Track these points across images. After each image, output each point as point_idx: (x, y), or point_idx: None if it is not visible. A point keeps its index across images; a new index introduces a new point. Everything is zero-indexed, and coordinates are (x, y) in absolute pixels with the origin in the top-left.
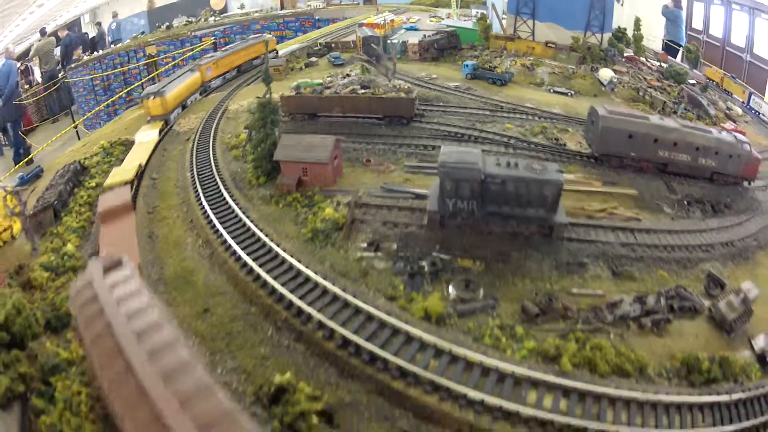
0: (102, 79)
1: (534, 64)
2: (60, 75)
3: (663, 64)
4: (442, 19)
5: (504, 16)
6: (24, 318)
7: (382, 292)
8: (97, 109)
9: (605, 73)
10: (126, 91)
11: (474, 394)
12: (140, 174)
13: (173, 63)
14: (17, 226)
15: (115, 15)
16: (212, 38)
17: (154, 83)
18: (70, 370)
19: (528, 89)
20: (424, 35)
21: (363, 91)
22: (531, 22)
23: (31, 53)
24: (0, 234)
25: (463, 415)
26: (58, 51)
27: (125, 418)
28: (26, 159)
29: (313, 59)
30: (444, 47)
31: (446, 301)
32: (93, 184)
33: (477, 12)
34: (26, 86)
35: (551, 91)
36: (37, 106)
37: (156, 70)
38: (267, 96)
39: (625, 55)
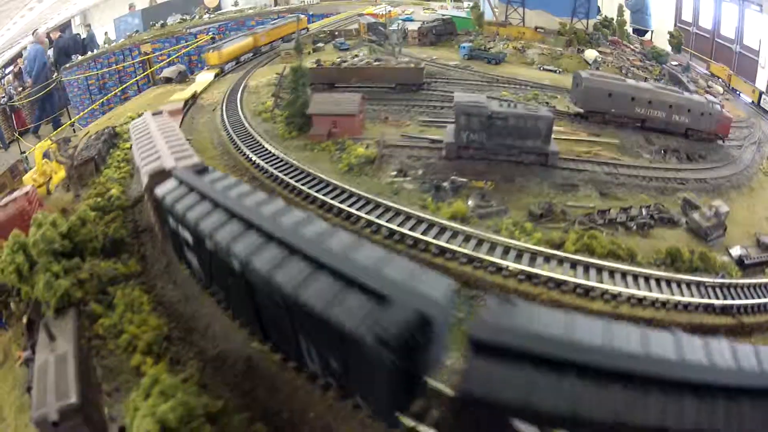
0: (97, 78)
1: (525, 46)
2: (54, 77)
3: (645, 48)
4: (435, 10)
5: (496, 6)
6: (88, 230)
7: (414, 204)
8: (92, 107)
9: (590, 54)
10: (121, 89)
11: (501, 262)
12: (194, 98)
13: (168, 60)
14: (57, 177)
15: (87, 26)
16: (210, 34)
17: (149, 81)
18: (128, 282)
19: (520, 67)
20: (423, 22)
21: (376, 63)
22: (521, 9)
23: (24, 55)
24: (47, 182)
25: (493, 279)
26: (51, 53)
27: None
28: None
29: (320, 44)
30: (441, 33)
31: (467, 207)
32: (128, 146)
33: (468, 3)
34: (19, 89)
35: (541, 69)
36: (30, 108)
37: (151, 67)
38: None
39: (609, 38)
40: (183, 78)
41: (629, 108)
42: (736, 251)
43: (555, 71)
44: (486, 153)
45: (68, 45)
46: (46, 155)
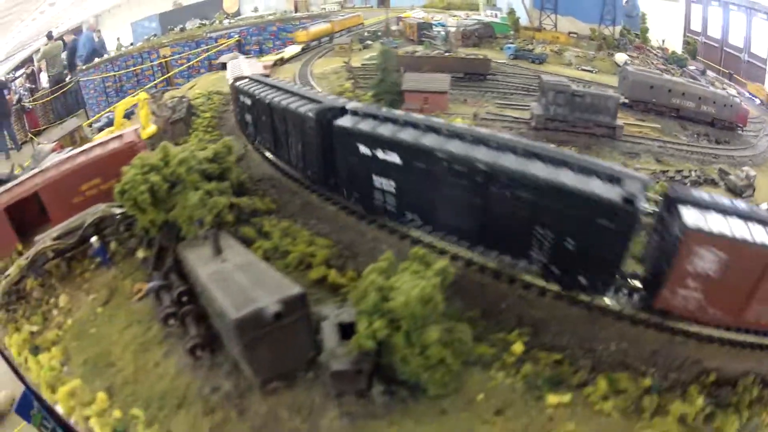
0: (114, 80)
1: (561, 49)
2: (67, 79)
3: (666, 53)
4: (462, 18)
5: (530, 12)
6: (233, 157)
7: None
8: (109, 110)
9: (620, 57)
10: (141, 90)
11: None
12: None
13: (188, 64)
14: (145, 133)
15: (97, 31)
16: (235, 37)
17: (168, 85)
18: (268, 216)
19: (560, 67)
20: (464, 26)
21: (447, 54)
22: (553, 16)
23: (38, 57)
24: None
25: None
26: (64, 55)
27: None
28: None
29: (369, 42)
30: (482, 35)
31: None
32: (207, 115)
33: (492, 12)
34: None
35: (579, 68)
36: (44, 109)
37: (169, 71)
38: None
39: (634, 44)
40: None
41: (667, 98)
42: (763, 205)
43: (591, 71)
44: (567, 125)
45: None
46: (127, 115)
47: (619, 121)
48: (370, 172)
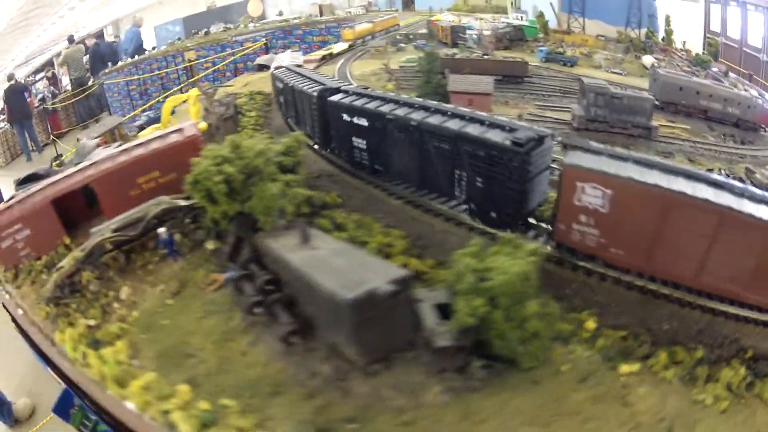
0: (138, 83)
1: (590, 52)
2: (89, 82)
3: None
4: (489, 21)
5: (559, 16)
6: (303, 151)
7: None
8: (135, 113)
9: (647, 59)
10: (165, 95)
11: None
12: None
13: (214, 68)
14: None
15: (116, 37)
16: (263, 40)
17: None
18: (337, 209)
19: (590, 70)
20: (496, 29)
21: (486, 57)
22: (581, 19)
23: (59, 60)
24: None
25: None
26: (86, 59)
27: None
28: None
29: (402, 45)
30: (513, 38)
31: None
32: (253, 114)
33: (518, 15)
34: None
35: (609, 71)
36: (66, 112)
37: (194, 74)
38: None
39: (660, 47)
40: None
41: (695, 100)
42: None
43: (621, 73)
44: (606, 126)
45: (104, 52)
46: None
47: (654, 123)
48: (350, 135)
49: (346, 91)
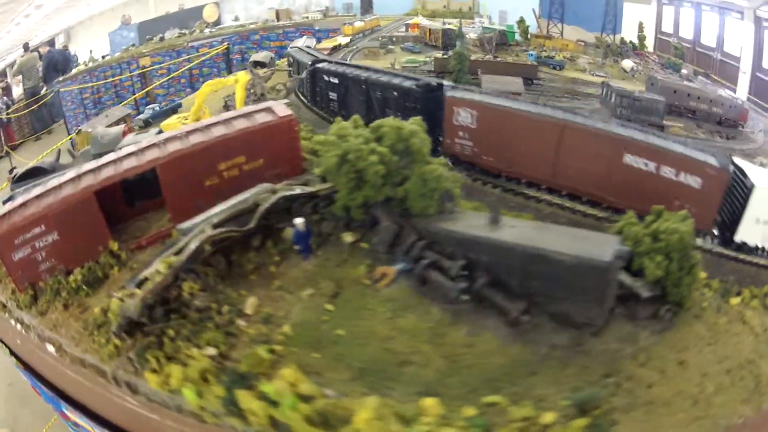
0: (92, 91)
1: (573, 56)
2: (43, 91)
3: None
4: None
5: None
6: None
7: None
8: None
9: (627, 64)
10: (125, 103)
11: None
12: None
13: (172, 75)
14: (206, 117)
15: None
16: (226, 44)
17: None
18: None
19: (576, 73)
20: (483, 32)
21: (497, 59)
22: (560, 25)
23: (14, 69)
24: (199, 117)
25: None
26: (40, 67)
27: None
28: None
29: (391, 47)
30: (497, 42)
31: None
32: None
33: (480, 20)
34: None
35: (594, 74)
36: (18, 123)
37: (148, 82)
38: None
39: (635, 51)
40: (273, 63)
41: (686, 101)
42: None
43: (605, 76)
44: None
45: (57, 60)
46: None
47: (664, 122)
48: (328, 91)
49: (328, 61)
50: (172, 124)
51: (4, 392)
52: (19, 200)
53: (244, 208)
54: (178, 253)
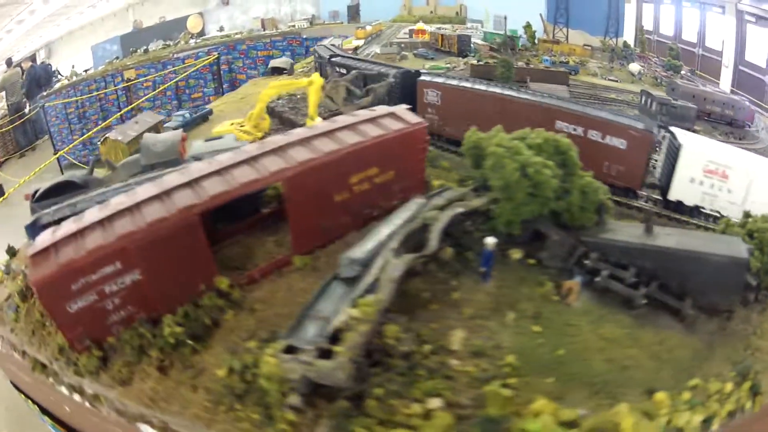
0: (76, 106)
1: (582, 61)
2: (26, 107)
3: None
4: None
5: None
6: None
7: None
8: (84, 137)
9: (634, 67)
10: (109, 122)
11: None
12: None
13: (158, 90)
14: (266, 123)
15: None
16: (216, 54)
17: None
18: None
19: (589, 77)
20: (494, 38)
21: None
22: (565, 29)
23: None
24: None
25: None
26: (23, 83)
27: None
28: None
29: (405, 53)
30: (508, 47)
31: None
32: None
33: (474, 25)
34: None
35: (606, 78)
36: (2, 140)
37: (132, 95)
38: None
39: (638, 54)
40: (292, 69)
41: (702, 105)
42: None
43: (616, 80)
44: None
45: (40, 75)
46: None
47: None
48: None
49: (342, 56)
50: (227, 131)
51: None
52: (66, 227)
53: (414, 228)
54: (360, 290)
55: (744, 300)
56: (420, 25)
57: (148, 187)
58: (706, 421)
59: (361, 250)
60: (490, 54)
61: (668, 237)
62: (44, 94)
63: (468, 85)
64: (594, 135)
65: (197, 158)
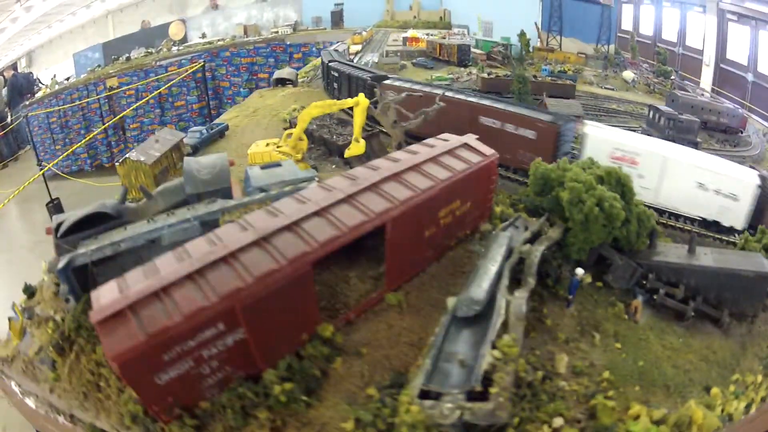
0: (59, 115)
1: (578, 69)
2: (8, 117)
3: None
4: (444, 37)
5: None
6: None
7: None
8: (73, 148)
9: (628, 74)
10: (89, 139)
11: None
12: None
13: (148, 98)
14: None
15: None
16: (202, 61)
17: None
18: None
19: (586, 86)
20: (492, 46)
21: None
22: (558, 37)
23: None
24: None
25: None
26: (5, 92)
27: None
28: None
29: (404, 63)
30: (504, 56)
31: None
32: None
33: (461, 31)
34: None
35: (603, 87)
36: None
37: (114, 104)
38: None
39: (630, 61)
40: (297, 80)
41: (700, 114)
42: None
43: (612, 89)
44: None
45: (22, 84)
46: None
47: (698, 138)
48: (333, 81)
49: (337, 61)
50: (262, 153)
51: None
52: (138, 281)
53: (514, 263)
54: (495, 331)
55: (765, 306)
56: (413, 33)
57: (233, 231)
58: (747, 407)
59: (479, 290)
60: (488, 63)
61: (706, 256)
62: (27, 103)
63: (416, 87)
64: (509, 127)
65: (263, 189)
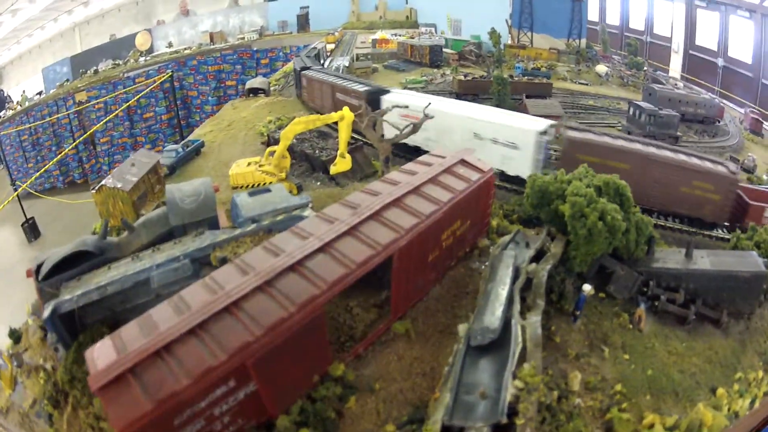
0: (29, 133)
1: (551, 65)
2: None
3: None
4: (413, 37)
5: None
6: None
7: None
8: (47, 167)
9: (601, 68)
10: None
11: None
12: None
13: (111, 116)
14: (287, 162)
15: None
16: (170, 71)
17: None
18: None
19: (559, 82)
20: (463, 46)
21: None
22: (530, 33)
23: None
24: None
25: None
26: None
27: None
28: None
29: (375, 66)
30: (476, 55)
31: None
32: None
33: (428, 30)
34: None
35: (576, 82)
36: None
37: (83, 118)
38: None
39: (601, 55)
40: (269, 90)
41: (678, 107)
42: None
43: (586, 84)
44: (652, 138)
45: None
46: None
47: (678, 132)
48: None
49: (309, 68)
50: (245, 173)
51: None
52: (134, 337)
53: (522, 284)
54: (515, 360)
55: (760, 302)
56: (382, 34)
57: (233, 275)
58: (751, 402)
59: (493, 318)
60: (460, 63)
61: (703, 260)
62: None
63: (319, 77)
64: (349, 99)
65: (255, 220)
